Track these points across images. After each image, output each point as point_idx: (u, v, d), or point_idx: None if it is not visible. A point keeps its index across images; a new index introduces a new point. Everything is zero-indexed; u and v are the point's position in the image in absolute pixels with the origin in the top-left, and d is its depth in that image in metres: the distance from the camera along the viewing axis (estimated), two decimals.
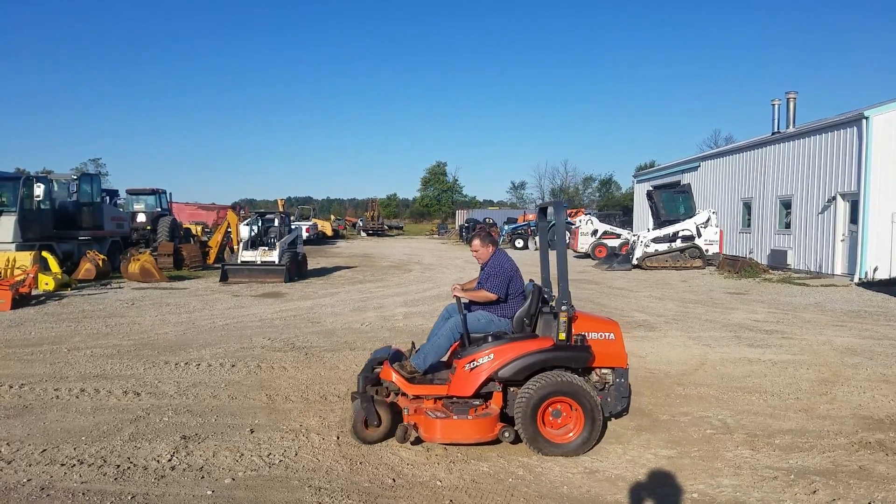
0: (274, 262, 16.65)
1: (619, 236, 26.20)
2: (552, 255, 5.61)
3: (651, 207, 23.32)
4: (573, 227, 28.75)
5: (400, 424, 4.69)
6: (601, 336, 4.94)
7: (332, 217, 59.17)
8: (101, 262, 16.24)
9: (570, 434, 4.62)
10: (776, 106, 24.18)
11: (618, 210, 48.82)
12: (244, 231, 17.76)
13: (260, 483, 4.11)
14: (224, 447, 4.68)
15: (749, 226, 23.27)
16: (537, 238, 33.60)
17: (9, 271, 13.76)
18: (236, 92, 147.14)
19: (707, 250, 21.05)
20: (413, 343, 5.54)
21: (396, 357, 5.16)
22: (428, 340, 5.21)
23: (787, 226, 20.77)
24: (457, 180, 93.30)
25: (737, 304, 12.75)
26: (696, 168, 28.56)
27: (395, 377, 4.91)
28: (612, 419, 5.31)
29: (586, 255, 25.99)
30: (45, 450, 4.59)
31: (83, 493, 3.89)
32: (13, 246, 15.02)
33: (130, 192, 26.05)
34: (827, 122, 19.48)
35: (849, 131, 17.74)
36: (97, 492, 3.93)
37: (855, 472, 4.31)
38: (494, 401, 4.78)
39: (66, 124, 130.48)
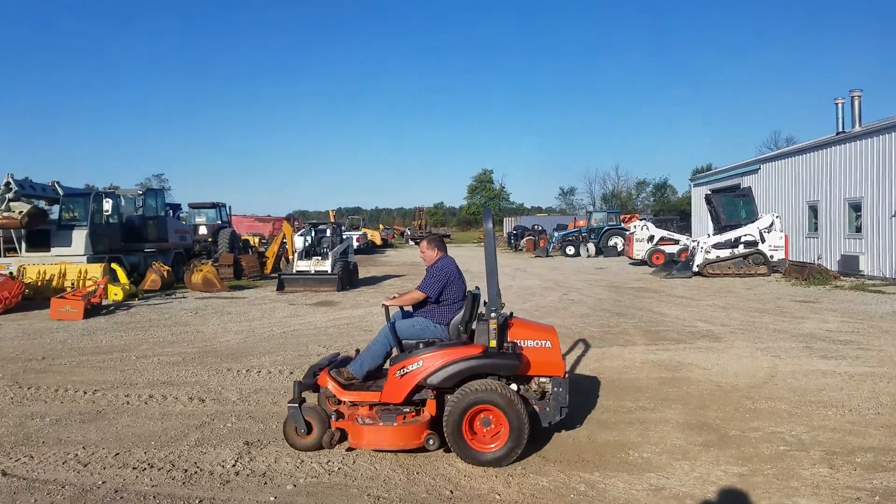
0: (327, 271, 16.96)
1: (677, 242, 25.42)
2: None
3: (710, 212, 22.58)
4: (627, 232, 28.13)
5: (327, 430, 4.71)
6: (537, 344, 4.81)
7: (381, 226, 59.99)
8: (165, 273, 16.85)
9: (494, 445, 4.53)
10: (840, 105, 23.21)
11: (674, 215, 47.54)
12: (298, 241, 18.16)
13: (320, 490, 4.14)
14: (285, 453, 4.74)
15: (816, 230, 22.26)
16: (590, 245, 33.31)
17: (81, 283, 14.44)
18: (288, 110, 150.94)
19: (772, 256, 20.18)
20: (357, 350, 5.34)
21: (343, 363, 5.11)
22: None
23: (858, 230, 19.77)
24: (503, 187, 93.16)
25: (807, 312, 12.19)
26: (755, 170, 27.57)
27: (330, 384, 4.87)
28: (563, 429, 5.18)
29: (642, 263, 25.33)
30: (117, 453, 4.75)
31: (154, 497, 4.01)
32: (84, 258, 15.75)
33: (192, 206, 27.01)
34: None
35: None
36: (167, 495, 4.04)
37: None
38: (428, 408, 4.72)
39: (130, 140, 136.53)
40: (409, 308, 5.26)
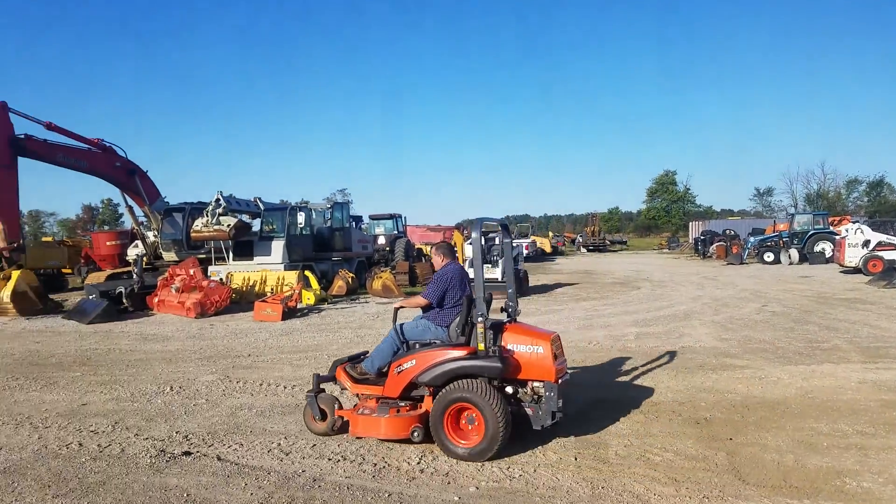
0: (497, 279, 17.14)
1: None
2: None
3: None
4: (837, 237, 24.95)
5: (330, 417, 5.29)
6: (528, 349, 4.96)
7: (551, 234, 59.30)
8: (350, 280, 18.22)
9: (470, 441, 4.78)
10: None
11: (893, 217, 41.42)
12: (468, 249, 18.61)
13: (502, 495, 4.21)
14: None
15: None
16: (792, 251, 29.99)
17: (279, 288, 16.11)
18: (454, 123, 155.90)
19: None
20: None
21: (360, 359, 5.64)
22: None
23: None
24: (689, 189, 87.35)
25: None
26: None
27: (344, 378, 5.43)
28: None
29: (856, 271, 22.23)
30: (314, 445, 5.22)
31: (347, 488, 4.35)
32: (282, 266, 17.54)
33: (372, 217, 28.93)
34: None
35: None
36: (359, 487, 4.36)
37: None
38: (425, 404, 5.03)
39: (315, 158, 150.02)
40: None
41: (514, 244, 21.45)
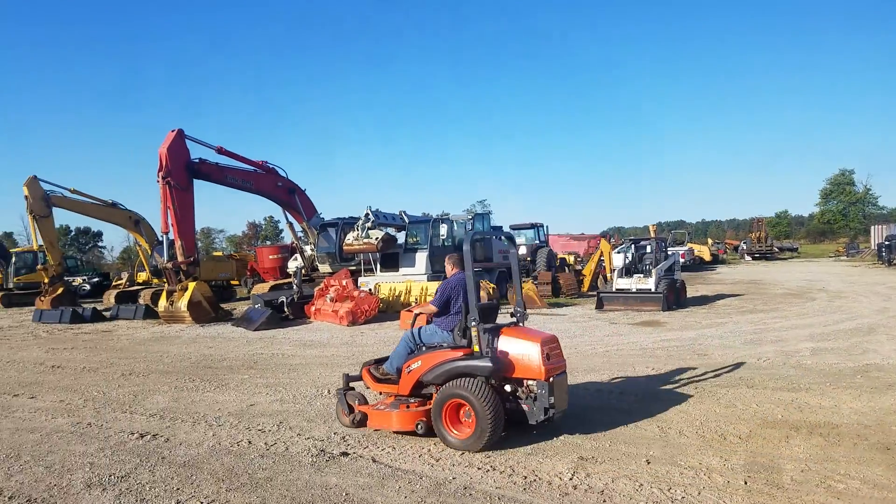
0: (650, 289, 16.31)
1: None
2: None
3: None
4: None
5: (350, 413, 5.87)
6: (521, 350, 5.34)
7: (710, 240, 55.52)
8: (491, 291, 18.20)
9: (463, 433, 5.21)
10: None
11: None
12: (617, 259, 17.89)
13: None
14: (622, 474, 4.62)
15: None
16: None
17: (423, 298, 16.53)
18: (602, 129, 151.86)
19: None
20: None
21: (382, 362, 6.17)
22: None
23: None
24: (869, 189, 77.85)
25: None
26: None
27: (367, 378, 6.02)
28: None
29: None
30: (463, 453, 5.18)
31: (498, 498, 4.26)
32: (425, 277, 18.04)
33: (513, 227, 28.86)
34: None
35: None
36: (510, 498, 4.25)
37: None
38: (433, 400, 5.42)
39: (456, 171, 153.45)
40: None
41: (670, 252, 20.50)
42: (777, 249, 53.39)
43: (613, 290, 17.01)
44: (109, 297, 23.59)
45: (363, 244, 18.32)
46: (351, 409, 5.93)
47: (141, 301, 20.89)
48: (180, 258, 16.76)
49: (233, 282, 27.32)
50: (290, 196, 21.24)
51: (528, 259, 25.37)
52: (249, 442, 5.71)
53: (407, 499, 4.27)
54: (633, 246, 18.66)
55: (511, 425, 5.39)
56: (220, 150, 18.64)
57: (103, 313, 18.92)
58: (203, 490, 4.56)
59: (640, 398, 6.98)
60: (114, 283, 28.81)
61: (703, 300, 18.72)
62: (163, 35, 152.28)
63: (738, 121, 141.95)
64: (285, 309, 16.10)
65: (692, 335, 11.85)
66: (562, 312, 16.45)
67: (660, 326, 13.22)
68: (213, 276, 24.55)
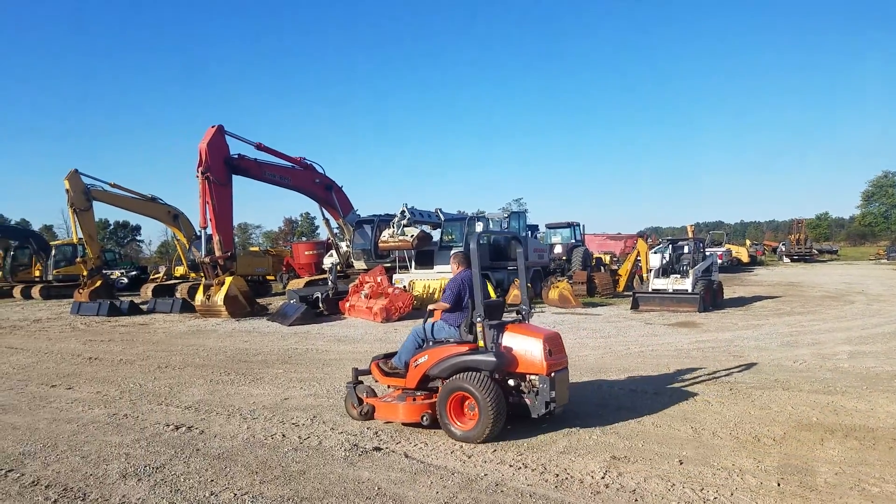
0: (686, 290, 16.08)
1: None
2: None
3: None
4: None
5: (359, 405, 6.04)
6: (524, 346, 5.51)
7: (748, 242, 54.37)
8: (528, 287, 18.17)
9: (467, 425, 5.37)
10: None
11: None
12: (654, 259, 17.66)
13: None
14: (654, 474, 4.60)
15: None
16: None
17: None
18: (635, 128, 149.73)
19: None
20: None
21: (391, 356, 6.27)
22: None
23: None
24: None
25: None
26: None
27: (375, 372, 6.17)
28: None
29: None
30: (494, 450, 5.21)
31: (530, 495, 4.28)
32: None
33: (549, 226, 28.70)
34: None
35: None
36: (541, 496, 4.27)
37: None
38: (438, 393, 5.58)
39: (489, 173, 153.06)
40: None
41: (707, 253, 20.20)
42: (816, 252, 52.06)
43: (650, 290, 16.81)
44: (147, 291, 24.18)
45: (399, 241, 18.41)
46: (360, 402, 6.10)
47: (178, 295, 21.39)
48: (218, 253, 17.06)
49: (269, 277, 27.68)
50: (326, 192, 21.47)
51: (564, 258, 25.17)
52: (283, 435, 5.81)
53: (439, 494, 4.32)
54: (670, 246, 18.43)
55: (514, 419, 5.55)
56: (260, 147, 18.89)
57: (140, 306, 19.40)
58: (237, 482, 4.66)
59: (674, 399, 6.91)
60: (151, 277, 29.49)
61: (739, 302, 18.38)
62: (207, 34, 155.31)
63: (780, 121, 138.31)
64: (320, 305, 16.31)
65: (728, 336, 11.66)
66: (596, 312, 16.32)
67: (696, 327, 13.02)
68: (250, 271, 24.95)
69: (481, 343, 5.50)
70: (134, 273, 31.78)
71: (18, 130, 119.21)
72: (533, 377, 5.49)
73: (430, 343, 5.97)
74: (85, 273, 22.01)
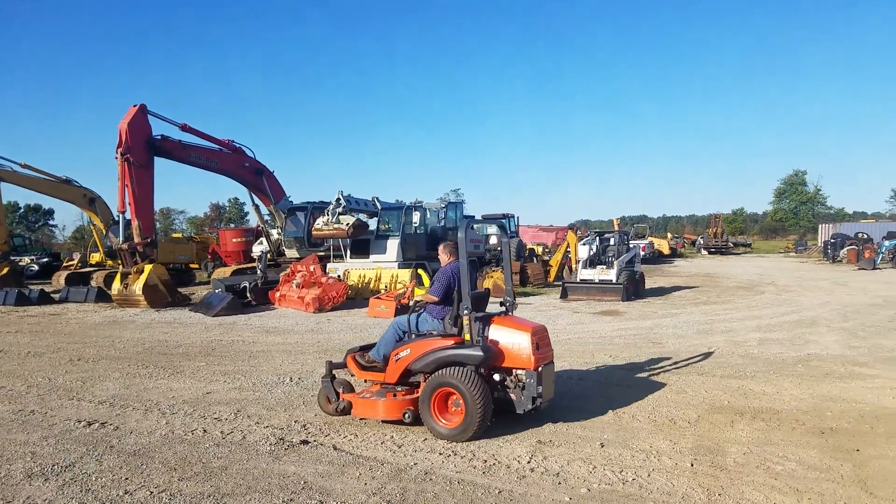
0: (611, 280, 16.64)
1: None
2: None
3: None
4: None
5: (336, 400, 5.76)
6: (511, 340, 5.32)
7: (669, 235, 56.70)
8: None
9: (452, 422, 5.14)
10: None
11: None
12: (582, 250, 18.16)
13: (615, 498, 4.06)
14: (577, 457, 4.76)
15: None
16: None
17: (392, 285, 16.50)
18: (570, 122, 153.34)
19: None
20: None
21: (368, 348, 6.05)
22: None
23: None
24: (819, 190, 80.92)
25: None
26: None
27: (351, 365, 5.92)
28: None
29: None
30: (426, 439, 5.25)
31: (458, 482, 4.34)
32: (396, 264, 17.95)
33: (485, 217, 28.98)
34: None
35: None
36: (469, 482, 4.34)
37: None
38: (421, 389, 5.34)
39: (427, 161, 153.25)
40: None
41: (631, 245, 20.92)
42: (732, 245, 54.80)
43: (577, 280, 17.33)
44: (59, 279, 22.71)
45: (333, 229, 18.10)
46: (337, 397, 5.82)
47: (93, 283, 20.30)
48: (137, 239, 16.38)
49: (192, 265, 26.65)
50: (256, 177, 20.85)
51: (499, 249, 25.56)
52: (204, 430, 5.63)
53: (367, 485, 4.30)
54: (597, 238, 19.01)
55: (496, 413, 5.36)
56: (185, 128, 18.13)
57: (52, 295, 18.36)
58: (154, 479, 4.47)
59: (598, 384, 7.17)
60: (65, 264, 27.87)
61: (660, 291, 19.15)
62: (126, 9, 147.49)
63: (701, 122, 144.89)
64: (248, 294, 15.85)
65: (649, 324, 12.16)
66: (528, 301, 16.63)
67: (619, 316, 13.50)
68: (172, 258, 23.99)
69: (467, 336, 5.25)
70: (46, 260, 29.95)
71: None
72: (520, 371, 5.29)
73: (413, 336, 5.71)
74: None
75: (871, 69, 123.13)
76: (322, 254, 19.73)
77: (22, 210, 75.55)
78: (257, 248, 23.06)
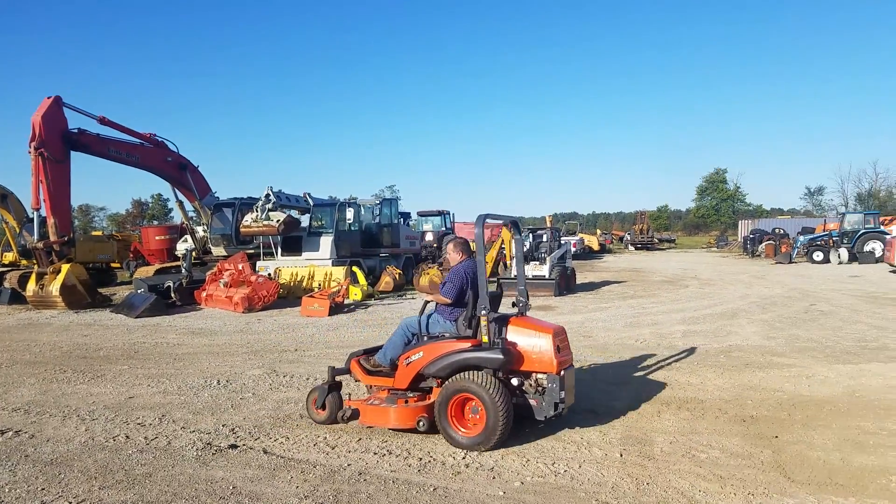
0: (544, 276, 16.98)
1: None
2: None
3: None
4: (888, 237, 24.03)
5: (340, 409, 5.46)
6: (531, 342, 5.02)
7: (599, 231, 58.40)
8: (397, 276, 18.24)
9: (471, 430, 4.84)
10: None
11: None
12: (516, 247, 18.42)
13: (547, 490, 4.13)
14: (511, 452, 4.81)
15: None
16: (842, 250, 29.02)
17: (326, 283, 16.24)
18: (501, 119, 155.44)
19: None
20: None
21: (374, 352, 5.74)
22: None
23: None
24: (739, 187, 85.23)
25: None
26: None
27: (357, 370, 5.54)
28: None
29: None
30: (360, 439, 5.18)
31: (392, 481, 4.30)
32: (330, 262, 17.67)
33: (420, 214, 28.99)
34: None
35: None
36: (404, 481, 4.31)
37: None
38: (434, 395, 5.05)
39: (364, 156, 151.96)
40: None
41: (563, 241, 21.34)
42: (657, 240, 57.12)
43: (512, 276, 17.51)
44: None
45: (263, 226, 17.63)
46: (324, 406, 5.49)
47: (6, 284, 18.91)
48: (53, 237, 15.54)
49: (113, 264, 25.35)
50: (180, 172, 20.05)
51: (435, 245, 25.56)
52: (127, 436, 5.37)
53: (299, 488, 4.20)
54: (531, 234, 19.34)
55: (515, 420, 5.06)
56: (103, 121, 17.31)
57: None
58: (72, 489, 4.24)
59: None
60: None
61: (590, 286, 19.67)
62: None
63: (628, 120, 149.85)
64: (172, 294, 15.23)
65: (580, 318, 12.46)
66: None
67: (551, 310, 13.77)
68: (91, 257, 22.75)
69: (485, 338, 4.93)
70: None
71: None
72: (540, 376, 4.99)
73: (425, 338, 5.36)
74: None
75: (789, 70, 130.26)
76: (251, 251, 19.19)
77: None
78: (182, 247, 22.21)
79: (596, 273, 25.83)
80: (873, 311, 12.58)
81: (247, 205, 19.32)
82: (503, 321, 5.15)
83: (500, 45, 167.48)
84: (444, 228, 27.36)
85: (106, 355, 9.36)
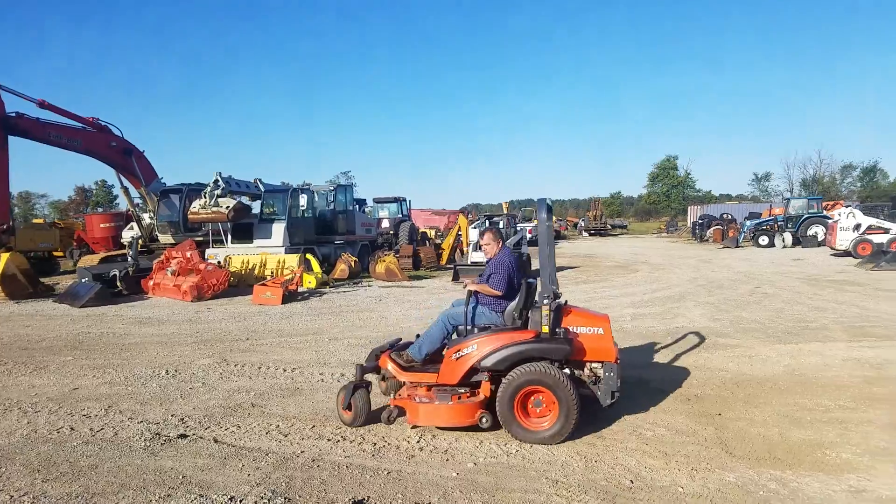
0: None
1: (887, 231, 22.24)
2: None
3: None
4: (830, 221, 25.08)
5: (386, 407, 5.12)
6: (590, 331, 4.96)
7: (553, 218, 59.18)
8: (353, 264, 18.08)
9: (545, 423, 4.69)
10: None
11: (885, 201, 41.38)
12: (473, 233, 18.51)
13: (499, 470, 4.21)
14: (464, 434, 4.86)
15: None
16: (786, 235, 30.12)
17: (279, 271, 15.99)
18: (457, 106, 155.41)
19: None
20: (418, 335, 5.50)
21: (404, 347, 5.45)
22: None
23: None
24: (689, 174, 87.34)
25: None
26: None
27: (390, 366, 5.24)
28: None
29: (847, 253, 22.46)
30: (314, 426, 5.15)
31: (346, 467, 4.30)
32: (283, 249, 17.36)
33: (376, 201, 28.79)
34: None
35: None
36: (358, 466, 4.31)
37: None
38: (483, 390, 4.89)
39: (320, 142, 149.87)
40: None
41: (519, 228, 21.50)
42: (610, 227, 58.31)
43: (469, 262, 17.64)
44: None
45: (212, 213, 17.14)
46: (349, 407, 5.13)
47: None
48: None
49: (56, 253, 24.35)
50: (125, 158, 19.38)
51: (391, 232, 25.41)
52: (72, 428, 5.22)
53: (250, 476, 4.15)
54: (487, 221, 19.46)
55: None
56: (43, 104, 16.62)
57: None
58: (14, 483, 4.10)
59: None
60: None
61: None
62: None
63: (581, 106, 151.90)
64: (118, 283, 14.75)
65: None
66: (421, 285, 16.72)
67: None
68: (32, 246, 21.82)
69: (545, 329, 4.76)
70: None
71: None
72: (595, 365, 4.94)
73: (474, 331, 5.11)
74: None
75: (739, 59, 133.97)
76: (200, 239, 18.68)
77: None
78: (127, 234, 21.57)
79: None
80: (814, 293, 13.10)
81: (195, 191, 18.81)
82: (559, 311, 4.98)
83: (456, 33, 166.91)
84: (400, 215, 27.25)
85: (49, 346, 9.03)
